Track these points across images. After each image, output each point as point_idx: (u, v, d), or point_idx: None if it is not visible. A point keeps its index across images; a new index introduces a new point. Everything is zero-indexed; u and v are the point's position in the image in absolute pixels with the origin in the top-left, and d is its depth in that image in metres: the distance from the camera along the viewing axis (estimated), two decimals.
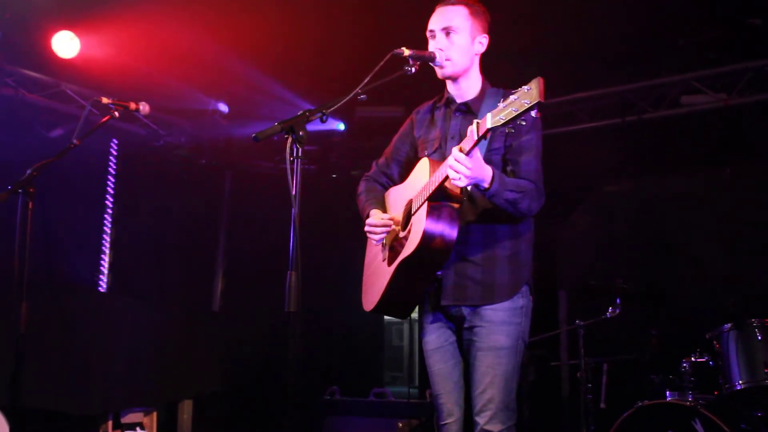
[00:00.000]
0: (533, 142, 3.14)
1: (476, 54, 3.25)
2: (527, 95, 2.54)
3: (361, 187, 3.60)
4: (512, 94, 2.60)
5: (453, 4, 3.21)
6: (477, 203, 3.13)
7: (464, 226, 3.10)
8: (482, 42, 3.24)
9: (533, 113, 2.56)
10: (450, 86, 3.31)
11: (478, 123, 2.74)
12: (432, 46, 3.21)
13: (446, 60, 3.18)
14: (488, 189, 2.91)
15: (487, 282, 3.13)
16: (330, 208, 7.28)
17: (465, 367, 3.22)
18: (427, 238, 2.97)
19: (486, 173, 2.89)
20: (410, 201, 3.21)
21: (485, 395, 3.08)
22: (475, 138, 2.74)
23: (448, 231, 2.98)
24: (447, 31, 3.17)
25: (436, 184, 2.95)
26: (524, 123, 2.61)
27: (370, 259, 3.50)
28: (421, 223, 3.00)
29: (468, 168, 2.79)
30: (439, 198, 3.00)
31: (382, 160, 3.62)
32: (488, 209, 3.10)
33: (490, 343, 3.10)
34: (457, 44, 3.18)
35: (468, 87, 3.27)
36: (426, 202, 3.00)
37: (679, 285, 6.40)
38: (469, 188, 3.03)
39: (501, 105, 2.63)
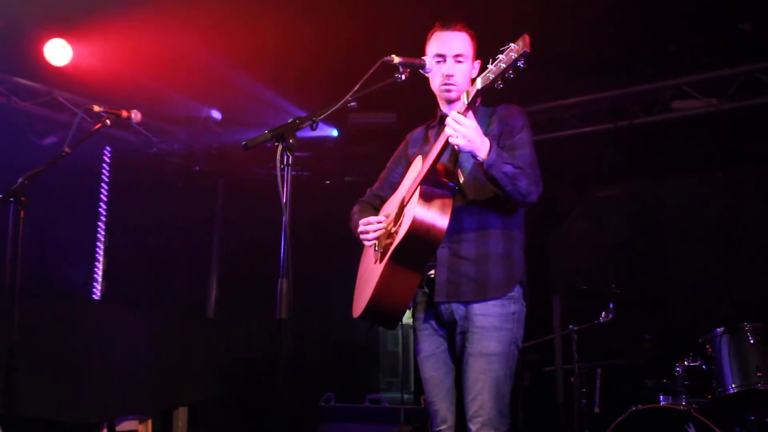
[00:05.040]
0: (525, 139, 3.21)
1: (472, 78, 3.32)
2: (514, 50, 2.70)
3: (355, 209, 3.62)
4: (499, 54, 2.74)
5: (460, 30, 3.29)
6: (470, 199, 3.16)
7: (457, 224, 3.13)
8: (476, 67, 3.34)
9: (520, 64, 2.68)
10: (443, 106, 3.38)
11: (468, 91, 2.87)
12: (437, 69, 3.27)
13: (452, 85, 3.26)
14: (486, 159, 2.93)
15: (480, 279, 3.15)
16: (323, 214, 7.27)
17: (458, 373, 3.23)
18: (417, 221, 2.95)
19: (483, 142, 2.93)
20: (404, 198, 3.23)
21: (477, 401, 3.08)
22: (466, 102, 2.86)
23: (440, 216, 2.97)
24: (457, 58, 3.26)
25: (432, 159, 2.99)
26: (512, 75, 2.72)
27: (363, 269, 3.51)
28: (412, 208, 3.01)
29: (465, 126, 2.87)
30: (431, 183, 3.01)
31: (376, 185, 3.66)
32: (482, 206, 3.14)
33: (481, 348, 3.11)
34: (462, 70, 3.28)
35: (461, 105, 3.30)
36: (418, 187, 3.01)
37: (672, 289, 6.41)
38: (462, 175, 3.07)
39: (490, 66, 2.76)
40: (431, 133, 3.45)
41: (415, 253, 3.05)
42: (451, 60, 3.26)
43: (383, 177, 3.63)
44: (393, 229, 3.20)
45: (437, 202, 2.99)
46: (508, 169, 2.97)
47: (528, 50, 2.65)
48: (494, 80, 2.74)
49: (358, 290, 3.49)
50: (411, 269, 3.11)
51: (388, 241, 3.21)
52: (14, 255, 3.61)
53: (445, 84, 3.26)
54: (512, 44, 2.70)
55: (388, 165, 3.62)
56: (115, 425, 5.66)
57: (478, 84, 2.79)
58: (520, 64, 2.68)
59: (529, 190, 3.05)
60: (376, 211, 3.56)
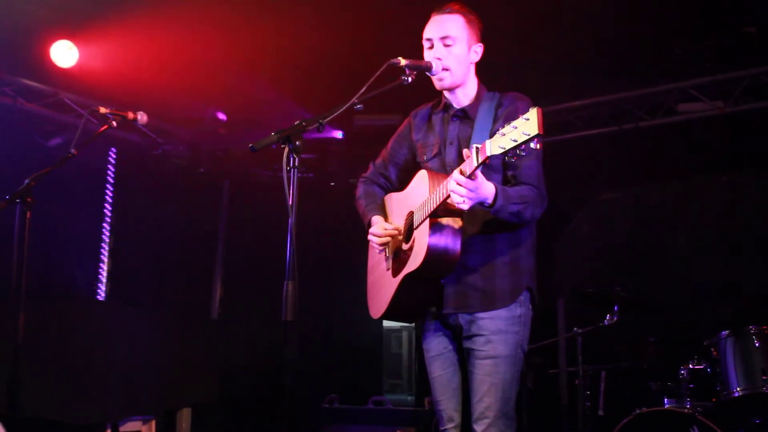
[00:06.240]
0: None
1: (472, 63, 3.27)
2: (527, 126, 2.50)
3: (360, 190, 3.60)
4: (512, 122, 2.56)
5: (450, 12, 3.21)
6: (476, 212, 3.12)
7: (464, 235, 3.11)
8: (477, 51, 3.25)
9: (533, 144, 2.52)
10: (447, 93, 3.33)
11: (477, 148, 2.70)
12: (429, 54, 3.21)
13: (444, 70, 3.18)
14: (492, 206, 2.90)
15: (487, 289, 3.14)
16: (328, 216, 7.28)
17: (464, 374, 3.24)
18: (431, 253, 2.99)
19: (488, 191, 2.86)
20: (411, 213, 3.22)
21: (483, 403, 3.09)
22: (475, 164, 2.71)
23: (452, 245, 3.01)
24: (445, 41, 3.18)
25: (437, 203, 2.95)
26: (524, 154, 2.57)
27: (374, 264, 3.52)
28: (424, 239, 3.01)
29: (470, 190, 2.78)
30: (441, 214, 3.01)
31: (379, 161, 3.62)
32: (487, 218, 3.10)
33: (488, 351, 3.11)
34: (455, 54, 3.18)
35: (465, 95, 3.29)
36: (428, 218, 3.01)
37: (676, 292, 6.41)
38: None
39: (500, 133, 2.59)
40: (435, 119, 3.38)
41: (430, 277, 3.12)
42: (438, 43, 3.18)
43: (387, 156, 3.57)
44: (405, 246, 3.21)
45: (449, 230, 3.02)
46: (514, 208, 2.97)
47: (541, 132, 2.46)
48: (504, 153, 2.57)
49: (371, 290, 3.51)
50: (426, 286, 3.18)
51: (401, 254, 3.23)
52: (20, 256, 3.62)
53: (434, 72, 3.17)
54: (523, 117, 2.51)
55: (390, 143, 3.57)
56: (119, 426, 5.67)
57: (488, 150, 2.62)
58: (533, 144, 2.51)
59: (534, 214, 3.07)
60: (381, 190, 3.57)
